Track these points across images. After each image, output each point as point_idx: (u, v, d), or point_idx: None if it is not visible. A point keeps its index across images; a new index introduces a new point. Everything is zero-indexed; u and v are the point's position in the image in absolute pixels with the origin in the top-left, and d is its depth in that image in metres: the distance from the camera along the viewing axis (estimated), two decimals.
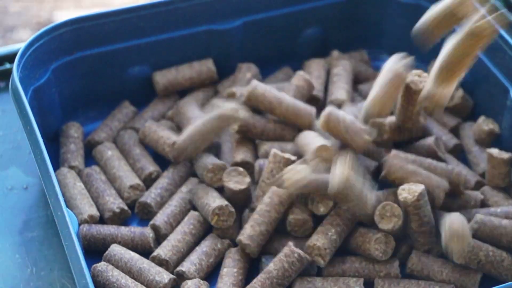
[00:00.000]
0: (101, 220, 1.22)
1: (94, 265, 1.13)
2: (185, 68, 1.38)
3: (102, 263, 1.13)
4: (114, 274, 1.11)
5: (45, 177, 1.09)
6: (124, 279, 1.10)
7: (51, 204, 1.06)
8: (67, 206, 1.12)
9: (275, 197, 1.16)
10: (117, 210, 1.21)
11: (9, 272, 1.16)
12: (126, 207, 1.23)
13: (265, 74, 1.43)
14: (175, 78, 1.37)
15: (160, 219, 1.21)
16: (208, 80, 1.38)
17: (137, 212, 1.24)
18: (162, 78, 1.37)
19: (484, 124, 1.31)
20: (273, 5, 1.40)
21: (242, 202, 1.21)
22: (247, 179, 1.20)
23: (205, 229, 1.21)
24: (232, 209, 1.18)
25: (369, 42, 1.49)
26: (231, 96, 1.34)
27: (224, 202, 1.18)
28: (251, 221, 1.15)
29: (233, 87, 1.35)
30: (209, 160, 1.24)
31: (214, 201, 1.18)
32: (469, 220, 1.17)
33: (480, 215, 1.17)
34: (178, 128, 1.32)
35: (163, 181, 1.26)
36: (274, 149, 1.20)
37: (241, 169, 1.21)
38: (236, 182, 1.20)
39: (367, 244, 1.15)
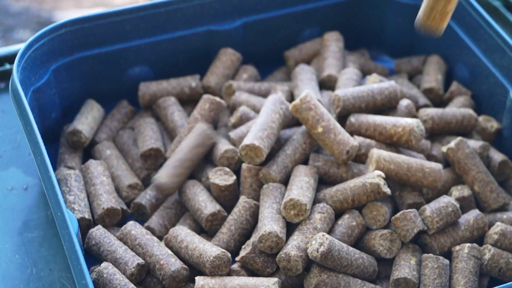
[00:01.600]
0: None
1: (93, 267, 1.13)
2: (171, 83, 1.37)
3: (103, 264, 1.13)
4: (115, 277, 1.11)
5: (44, 177, 1.09)
6: (124, 281, 1.10)
7: (51, 205, 1.06)
8: (66, 206, 1.12)
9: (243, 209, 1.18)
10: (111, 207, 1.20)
11: (9, 273, 1.16)
12: (125, 207, 1.23)
13: (265, 74, 1.43)
14: (159, 92, 1.36)
15: (155, 221, 1.21)
16: (193, 97, 1.38)
17: (133, 212, 1.24)
18: (146, 89, 1.36)
19: (488, 124, 1.31)
20: (272, 5, 1.40)
21: (228, 199, 1.21)
22: (233, 177, 1.21)
23: (201, 228, 1.21)
24: (225, 213, 1.19)
25: (369, 42, 1.49)
26: (229, 88, 1.35)
27: (216, 208, 1.18)
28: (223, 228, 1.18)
29: (231, 81, 1.36)
30: (208, 166, 1.25)
31: (205, 206, 1.19)
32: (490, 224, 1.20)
33: (500, 226, 1.17)
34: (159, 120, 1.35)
35: None
36: (245, 164, 1.20)
37: (227, 169, 1.21)
38: (222, 179, 1.20)
39: (372, 240, 1.15)
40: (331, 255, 1.08)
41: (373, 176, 1.14)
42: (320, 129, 1.18)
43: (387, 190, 1.14)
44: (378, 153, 1.17)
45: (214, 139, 1.24)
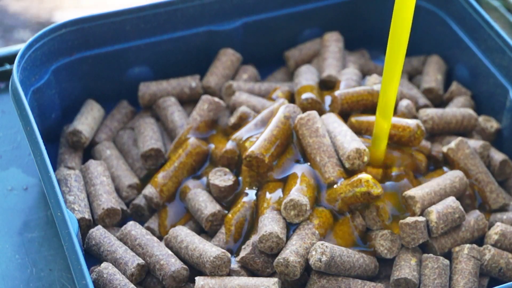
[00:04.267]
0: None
1: (93, 267, 1.13)
2: (171, 83, 1.38)
3: (103, 264, 1.13)
4: (115, 277, 1.11)
5: (45, 178, 1.09)
6: (124, 282, 1.10)
7: (51, 205, 1.06)
8: (66, 206, 1.12)
9: None
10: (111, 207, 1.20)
11: (9, 273, 1.16)
12: (125, 207, 1.23)
13: (264, 74, 1.43)
14: (159, 92, 1.36)
15: (155, 221, 1.21)
16: (193, 97, 1.38)
17: (131, 214, 1.24)
18: (146, 89, 1.36)
19: (488, 124, 1.31)
20: (272, 6, 1.40)
21: (229, 199, 1.21)
22: (233, 178, 1.21)
23: (201, 228, 1.21)
24: (225, 214, 1.19)
25: (369, 42, 1.49)
26: (229, 88, 1.35)
27: (216, 208, 1.18)
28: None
29: (231, 81, 1.36)
30: (208, 166, 1.25)
31: (205, 207, 1.19)
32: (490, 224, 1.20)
33: (500, 226, 1.17)
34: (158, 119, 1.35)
35: None
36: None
37: (227, 169, 1.21)
38: (222, 180, 1.20)
39: (372, 240, 1.15)
40: (334, 261, 1.08)
41: (361, 185, 1.13)
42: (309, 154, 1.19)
43: (379, 192, 1.13)
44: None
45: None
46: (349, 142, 1.16)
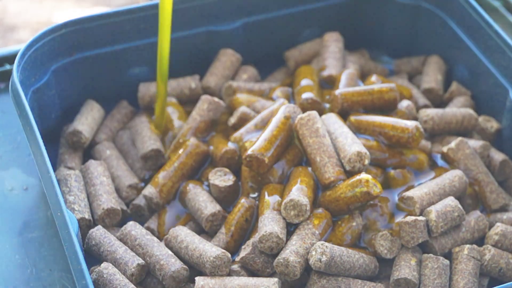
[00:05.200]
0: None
1: (93, 267, 1.13)
2: (170, 84, 1.37)
3: (103, 264, 1.13)
4: (115, 277, 1.11)
5: (45, 178, 1.09)
6: (124, 282, 1.10)
7: (51, 205, 1.06)
8: (66, 206, 1.12)
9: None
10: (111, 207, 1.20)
11: (9, 273, 1.16)
12: (125, 207, 1.23)
13: (265, 74, 1.43)
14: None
15: (155, 222, 1.21)
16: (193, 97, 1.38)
17: (131, 214, 1.24)
18: (146, 90, 1.36)
19: (488, 124, 1.31)
20: (272, 6, 1.40)
21: (229, 199, 1.21)
22: (233, 178, 1.21)
23: (201, 228, 1.21)
24: (225, 213, 1.19)
25: (369, 42, 1.49)
26: (228, 89, 1.35)
27: (216, 208, 1.18)
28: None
29: (230, 81, 1.36)
30: (208, 166, 1.25)
31: (205, 207, 1.19)
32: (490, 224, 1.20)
33: (501, 226, 1.17)
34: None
35: None
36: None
37: (227, 169, 1.21)
38: (222, 180, 1.20)
39: (372, 240, 1.15)
40: (334, 261, 1.08)
41: (361, 185, 1.13)
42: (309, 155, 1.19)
43: (378, 191, 1.13)
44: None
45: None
46: (350, 144, 1.16)
